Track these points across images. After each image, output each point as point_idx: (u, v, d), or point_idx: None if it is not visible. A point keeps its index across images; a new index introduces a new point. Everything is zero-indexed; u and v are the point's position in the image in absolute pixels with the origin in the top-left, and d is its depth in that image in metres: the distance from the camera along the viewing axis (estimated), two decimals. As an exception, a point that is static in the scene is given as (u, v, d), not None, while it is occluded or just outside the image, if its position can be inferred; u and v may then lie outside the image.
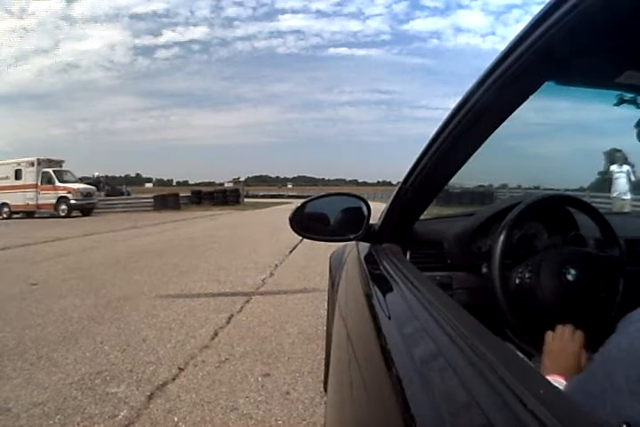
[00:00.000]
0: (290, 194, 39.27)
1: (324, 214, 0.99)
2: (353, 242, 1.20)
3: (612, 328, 0.41)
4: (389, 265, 0.80)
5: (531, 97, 0.58)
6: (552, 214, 0.91)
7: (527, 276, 0.79)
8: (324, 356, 1.62)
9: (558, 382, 0.62)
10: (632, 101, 0.69)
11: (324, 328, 1.70)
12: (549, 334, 0.72)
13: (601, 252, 0.86)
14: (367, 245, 1.02)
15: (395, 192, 0.90)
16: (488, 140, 0.68)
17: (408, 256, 0.96)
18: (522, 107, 0.60)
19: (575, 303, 0.77)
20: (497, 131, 0.66)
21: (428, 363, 0.47)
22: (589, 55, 0.53)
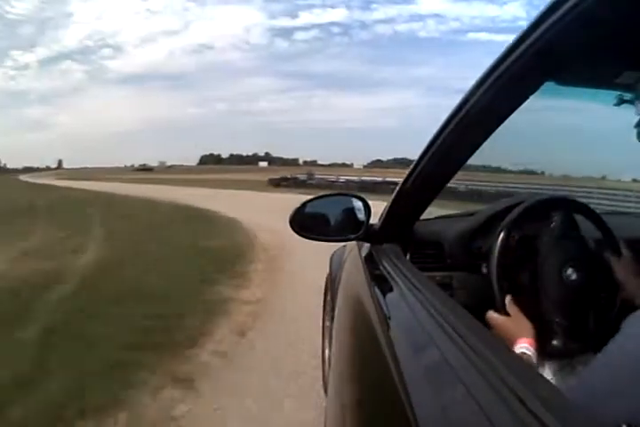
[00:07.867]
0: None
1: (324, 214, 0.99)
2: (353, 242, 1.20)
3: (613, 328, 0.41)
4: (389, 265, 0.80)
5: (531, 97, 0.58)
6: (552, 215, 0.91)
7: (527, 276, 0.79)
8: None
9: (526, 347, 0.64)
10: (632, 102, 0.69)
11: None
12: (507, 300, 0.74)
13: (601, 252, 0.85)
14: (367, 245, 1.02)
15: (395, 192, 0.90)
16: (488, 140, 0.68)
17: (408, 256, 0.96)
18: (522, 107, 0.60)
19: (575, 304, 0.77)
20: (497, 131, 0.66)
21: (428, 363, 0.47)
22: (589, 55, 0.53)
